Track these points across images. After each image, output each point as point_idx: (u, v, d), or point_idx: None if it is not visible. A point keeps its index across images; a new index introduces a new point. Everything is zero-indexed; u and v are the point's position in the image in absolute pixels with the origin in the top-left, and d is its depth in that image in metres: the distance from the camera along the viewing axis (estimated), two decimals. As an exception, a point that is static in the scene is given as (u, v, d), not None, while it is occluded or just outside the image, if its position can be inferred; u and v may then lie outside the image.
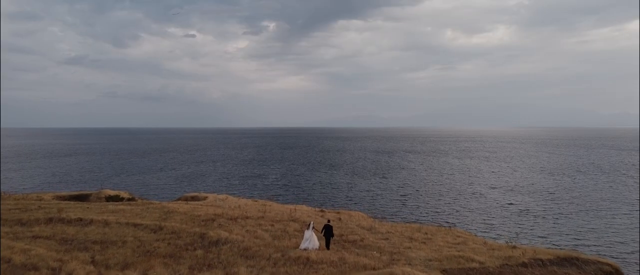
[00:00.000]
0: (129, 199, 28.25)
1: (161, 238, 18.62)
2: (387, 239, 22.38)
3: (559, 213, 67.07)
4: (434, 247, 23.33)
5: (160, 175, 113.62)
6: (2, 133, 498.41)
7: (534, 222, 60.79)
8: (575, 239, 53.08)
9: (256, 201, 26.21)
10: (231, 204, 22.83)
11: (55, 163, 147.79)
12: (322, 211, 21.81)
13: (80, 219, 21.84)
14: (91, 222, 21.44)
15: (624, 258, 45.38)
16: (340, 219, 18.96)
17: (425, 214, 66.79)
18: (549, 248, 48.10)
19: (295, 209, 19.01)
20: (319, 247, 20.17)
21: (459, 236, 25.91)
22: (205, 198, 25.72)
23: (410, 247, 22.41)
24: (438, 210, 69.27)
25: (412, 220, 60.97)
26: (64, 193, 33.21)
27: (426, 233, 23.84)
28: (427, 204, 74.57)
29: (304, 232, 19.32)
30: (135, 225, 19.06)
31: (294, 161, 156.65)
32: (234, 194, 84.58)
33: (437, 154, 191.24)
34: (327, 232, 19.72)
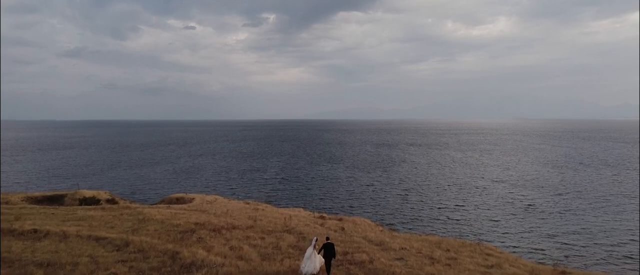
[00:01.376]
0: (108, 200, 25.84)
1: (123, 259, 15.03)
2: (402, 258, 17.52)
3: (566, 209, 65.02)
4: (463, 271, 18.61)
5: (157, 169, 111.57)
6: (1, 126, 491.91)
7: (546, 220, 58.75)
8: (587, 238, 51.06)
9: (248, 203, 23.51)
10: (219, 207, 20.17)
11: (50, 157, 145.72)
12: (321, 217, 18.91)
13: (35, 231, 18.93)
14: (47, 234, 18.26)
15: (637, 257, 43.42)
16: (343, 228, 16.41)
17: (434, 215, 64.68)
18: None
19: (290, 217, 16.40)
20: (319, 271, 16.38)
21: (489, 254, 20.79)
22: (191, 200, 23.33)
23: (433, 274, 17.74)
24: (444, 208, 67.20)
25: (422, 224, 58.90)
26: (37, 194, 30.62)
27: (448, 250, 18.68)
28: (432, 200, 72.52)
29: (305, 250, 15.65)
30: (98, 239, 15.65)
31: (294, 154, 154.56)
32: (232, 189, 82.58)
33: (439, 147, 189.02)
34: (328, 252, 15.87)
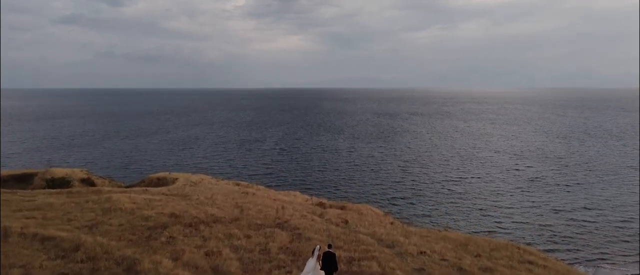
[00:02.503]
0: (83, 180, 23.38)
1: (64, 272, 11.28)
2: (423, 269, 13.28)
3: (573, 182, 63.12)
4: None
5: (154, 140, 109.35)
6: (1, 96, 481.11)
7: (553, 194, 56.89)
8: (596, 214, 49.25)
9: (238, 185, 20.95)
10: (203, 191, 17.62)
11: (46, 126, 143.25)
12: (320, 205, 16.19)
13: (-29, 226, 13.95)
14: (-17, 231, 14.06)
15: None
16: (346, 221, 12.72)
17: (436, 188, 62.71)
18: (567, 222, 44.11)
19: (283, 208, 13.79)
20: None
21: (531, 263, 15.27)
22: (174, 181, 20.86)
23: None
24: (447, 180, 65.29)
25: (425, 198, 56.97)
26: (4, 173, 27.95)
27: (478, 255, 13.85)
28: (435, 172, 70.56)
29: (299, 255, 11.84)
30: (44, 240, 12.19)
31: (293, 124, 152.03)
32: (229, 161, 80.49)
33: (441, 116, 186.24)
34: (329, 264, 12.43)
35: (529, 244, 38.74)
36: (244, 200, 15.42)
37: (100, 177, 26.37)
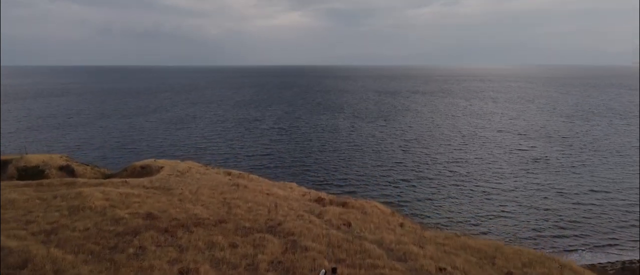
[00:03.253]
0: (61, 168, 21.45)
1: None
2: None
3: (578, 162, 61.73)
4: None
5: (151, 118, 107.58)
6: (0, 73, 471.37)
7: (557, 174, 55.57)
8: (603, 196, 47.99)
9: (230, 174, 19.20)
10: (189, 183, 15.90)
11: (42, 104, 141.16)
12: (319, 201, 14.32)
13: None
14: None
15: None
16: (349, 224, 9.51)
17: (438, 169, 61.28)
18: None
19: (276, 206, 12.19)
20: None
21: None
22: (159, 169, 19.10)
23: None
24: (451, 162, 63.86)
25: (427, 179, 55.55)
26: None
27: (510, 272, 10.61)
28: (436, 152, 69.11)
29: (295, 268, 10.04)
30: None
31: (293, 103, 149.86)
32: (228, 141, 78.91)
33: (443, 94, 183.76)
34: None
35: (534, 229, 37.56)
36: (232, 196, 13.80)
37: (83, 163, 24.59)
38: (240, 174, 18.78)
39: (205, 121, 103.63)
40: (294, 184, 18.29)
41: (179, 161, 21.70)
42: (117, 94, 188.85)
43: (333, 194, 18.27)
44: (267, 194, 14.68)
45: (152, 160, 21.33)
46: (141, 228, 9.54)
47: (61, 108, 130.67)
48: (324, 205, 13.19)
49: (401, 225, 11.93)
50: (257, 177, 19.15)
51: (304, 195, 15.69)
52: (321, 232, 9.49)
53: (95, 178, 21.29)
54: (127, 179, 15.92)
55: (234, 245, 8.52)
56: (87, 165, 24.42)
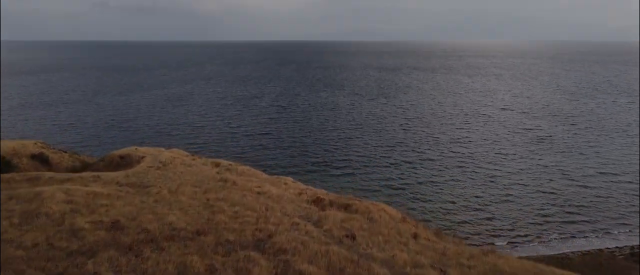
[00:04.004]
0: (34, 157, 19.37)
1: None
2: None
3: (584, 142, 60.07)
4: None
5: (147, 95, 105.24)
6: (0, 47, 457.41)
7: (563, 155, 53.98)
8: (611, 178, 46.53)
9: (217, 166, 17.06)
10: (170, 178, 13.91)
11: (38, 80, 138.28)
12: (317, 203, 12.22)
13: None
14: None
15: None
16: (353, 237, 9.29)
17: (440, 150, 59.64)
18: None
19: (267, 209, 10.53)
20: None
21: None
22: (139, 160, 17.18)
23: None
24: (453, 141, 62.17)
25: (429, 160, 53.94)
26: None
27: None
28: (439, 131, 67.36)
29: None
30: None
31: (292, 79, 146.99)
32: (224, 120, 76.93)
33: (444, 71, 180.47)
34: None
35: (544, 215, 36.22)
36: (217, 196, 12.05)
37: (60, 150, 22.54)
38: (229, 165, 16.85)
39: (203, 98, 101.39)
40: (289, 179, 16.44)
41: (163, 149, 19.74)
42: (114, 70, 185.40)
43: (334, 191, 16.40)
44: (258, 192, 12.93)
45: (134, 148, 19.39)
46: (100, 245, 7.83)
47: (58, 84, 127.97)
48: (323, 209, 11.50)
49: (415, 236, 10.26)
50: (248, 168, 17.31)
51: (300, 193, 13.92)
52: (320, 248, 7.79)
53: (73, 167, 19.49)
54: (99, 174, 14.15)
55: (211, 270, 6.89)
56: (65, 152, 22.47)
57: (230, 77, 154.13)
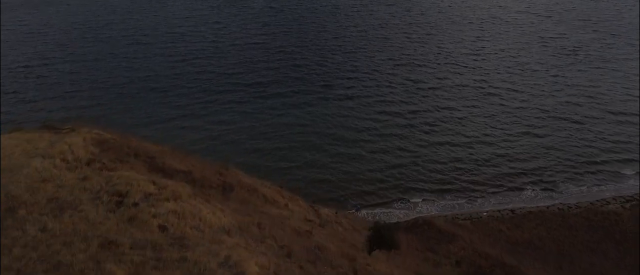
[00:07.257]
0: None
1: None
2: None
3: (612, 54, 53.08)
4: None
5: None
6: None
7: (588, 65, 47.73)
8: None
9: (187, 159, 10.20)
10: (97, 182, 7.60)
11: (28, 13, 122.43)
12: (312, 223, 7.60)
13: None
14: None
15: None
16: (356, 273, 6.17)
17: (454, 60, 52.98)
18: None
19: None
20: None
21: None
22: (65, 133, 9.99)
23: None
24: (466, 54, 55.19)
25: (438, 80, 47.83)
26: None
27: None
28: (453, 40, 59.86)
29: None
30: None
31: None
32: (207, 32, 67.80)
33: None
34: None
35: (573, 152, 31.47)
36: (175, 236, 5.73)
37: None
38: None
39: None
40: (284, 192, 10.50)
41: (101, 130, 12.10)
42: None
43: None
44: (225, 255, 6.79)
45: (58, 123, 11.67)
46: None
47: (47, 19, 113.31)
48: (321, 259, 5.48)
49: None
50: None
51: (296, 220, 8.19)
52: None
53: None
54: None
55: None
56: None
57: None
